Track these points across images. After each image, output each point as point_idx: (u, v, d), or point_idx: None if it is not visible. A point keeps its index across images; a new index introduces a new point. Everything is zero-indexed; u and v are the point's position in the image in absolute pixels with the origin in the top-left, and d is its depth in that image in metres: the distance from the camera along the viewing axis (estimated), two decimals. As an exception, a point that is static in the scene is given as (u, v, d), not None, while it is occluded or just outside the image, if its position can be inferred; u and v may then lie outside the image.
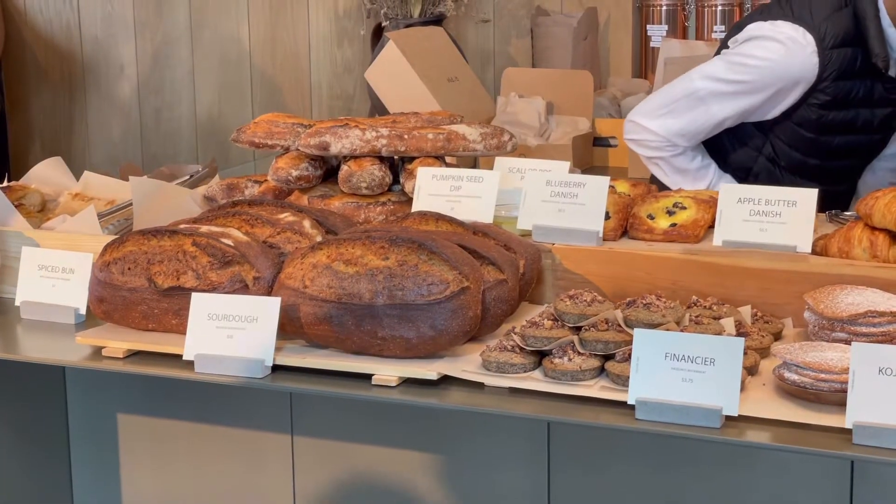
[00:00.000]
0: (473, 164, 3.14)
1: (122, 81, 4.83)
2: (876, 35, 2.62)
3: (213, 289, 2.05)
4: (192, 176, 2.85)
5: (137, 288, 2.09)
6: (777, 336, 1.98)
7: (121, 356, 2.05)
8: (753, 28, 2.73)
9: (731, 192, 2.16)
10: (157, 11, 4.74)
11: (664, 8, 4.16)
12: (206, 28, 4.70)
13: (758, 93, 2.72)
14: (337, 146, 2.39)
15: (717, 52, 2.89)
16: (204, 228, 2.13)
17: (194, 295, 2.00)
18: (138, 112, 4.85)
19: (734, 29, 2.84)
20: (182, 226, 2.16)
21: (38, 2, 4.85)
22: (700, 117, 2.78)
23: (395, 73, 3.52)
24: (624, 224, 2.25)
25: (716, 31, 4.10)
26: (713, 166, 2.87)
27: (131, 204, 2.52)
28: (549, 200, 2.22)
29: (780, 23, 2.69)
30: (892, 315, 1.83)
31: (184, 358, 1.98)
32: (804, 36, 2.66)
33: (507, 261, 2.04)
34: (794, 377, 1.73)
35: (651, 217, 2.24)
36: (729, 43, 2.83)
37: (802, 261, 2.05)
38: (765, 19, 2.73)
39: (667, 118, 2.80)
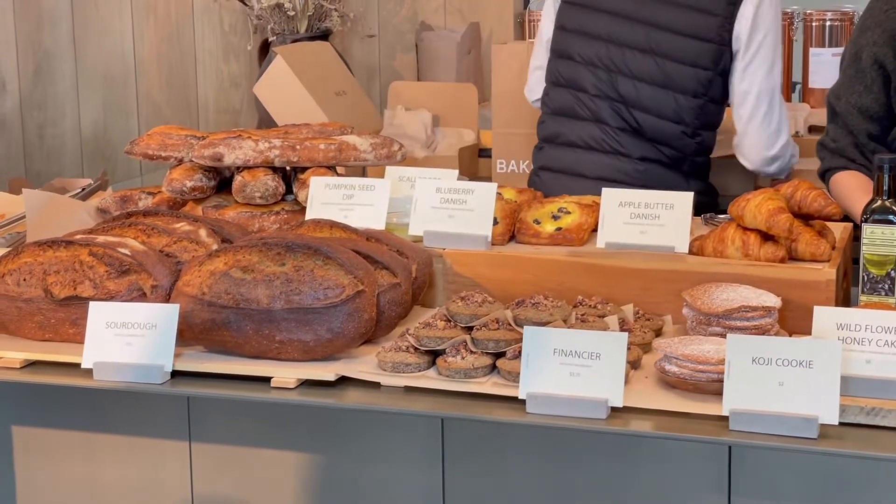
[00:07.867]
0: (363, 173, 3.20)
1: (4, 97, 4.77)
2: None
3: (110, 298, 2.07)
4: (83, 189, 2.86)
5: (33, 298, 2.10)
6: (658, 332, 2.09)
7: (17, 366, 2.06)
8: None
9: (612, 197, 2.26)
10: (38, 26, 4.70)
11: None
12: (90, 43, 4.67)
13: None
14: (230, 157, 2.43)
15: None
16: (100, 239, 2.15)
17: (92, 304, 2.03)
18: (20, 128, 4.79)
19: None
20: (78, 236, 2.18)
21: (-87, 16, 4.77)
22: None
23: (284, 88, 3.56)
24: (511, 229, 2.34)
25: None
26: None
27: (23, 217, 2.52)
28: (439, 207, 2.29)
29: None
30: (763, 310, 1.95)
31: (82, 366, 2.00)
32: None
33: (400, 265, 2.11)
34: (675, 369, 1.83)
35: (537, 222, 2.33)
36: None
37: (680, 261, 2.16)
38: None
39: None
